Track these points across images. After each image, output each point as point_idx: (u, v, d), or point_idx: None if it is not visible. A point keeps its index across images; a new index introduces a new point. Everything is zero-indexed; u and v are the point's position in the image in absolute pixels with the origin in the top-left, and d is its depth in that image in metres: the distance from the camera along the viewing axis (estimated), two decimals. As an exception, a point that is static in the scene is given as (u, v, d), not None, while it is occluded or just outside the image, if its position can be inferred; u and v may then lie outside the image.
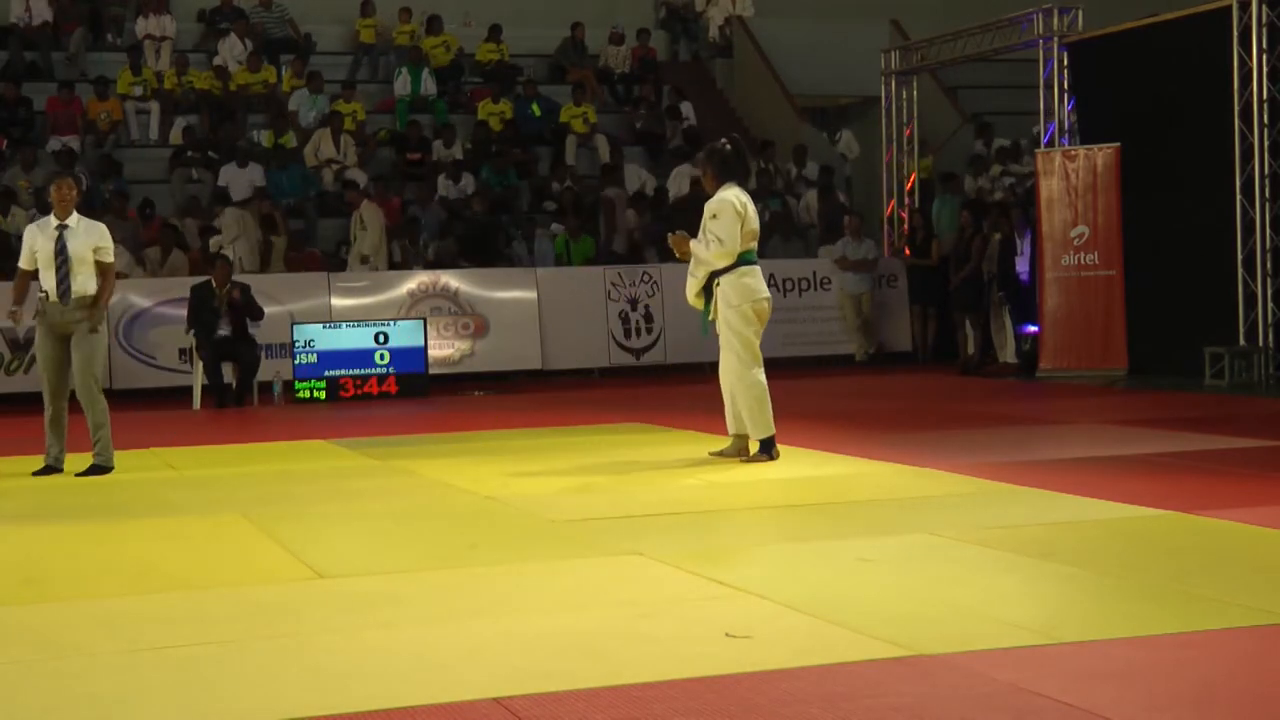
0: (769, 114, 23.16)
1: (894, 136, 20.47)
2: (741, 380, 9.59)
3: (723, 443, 9.89)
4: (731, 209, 9.48)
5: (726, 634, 5.08)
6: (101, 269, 10.03)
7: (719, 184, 9.65)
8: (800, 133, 22.37)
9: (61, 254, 9.88)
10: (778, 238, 19.77)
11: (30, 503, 8.81)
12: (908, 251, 19.44)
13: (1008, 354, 16.96)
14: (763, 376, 9.63)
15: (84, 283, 9.92)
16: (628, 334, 18.17)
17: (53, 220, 9.99)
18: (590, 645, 5.02)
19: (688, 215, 19.72)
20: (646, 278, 18.29)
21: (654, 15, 25.07)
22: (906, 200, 20.33)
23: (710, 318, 9.73)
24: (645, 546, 6.72)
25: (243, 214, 18.04)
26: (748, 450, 9.66)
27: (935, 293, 18.49)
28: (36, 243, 9.98)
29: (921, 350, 19.01)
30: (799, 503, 8.08)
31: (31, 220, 17.48)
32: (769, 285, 18.03)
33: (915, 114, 20.49)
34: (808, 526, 7.35)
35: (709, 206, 9.60)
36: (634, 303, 18.13)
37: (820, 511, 7.77)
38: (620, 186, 20.10)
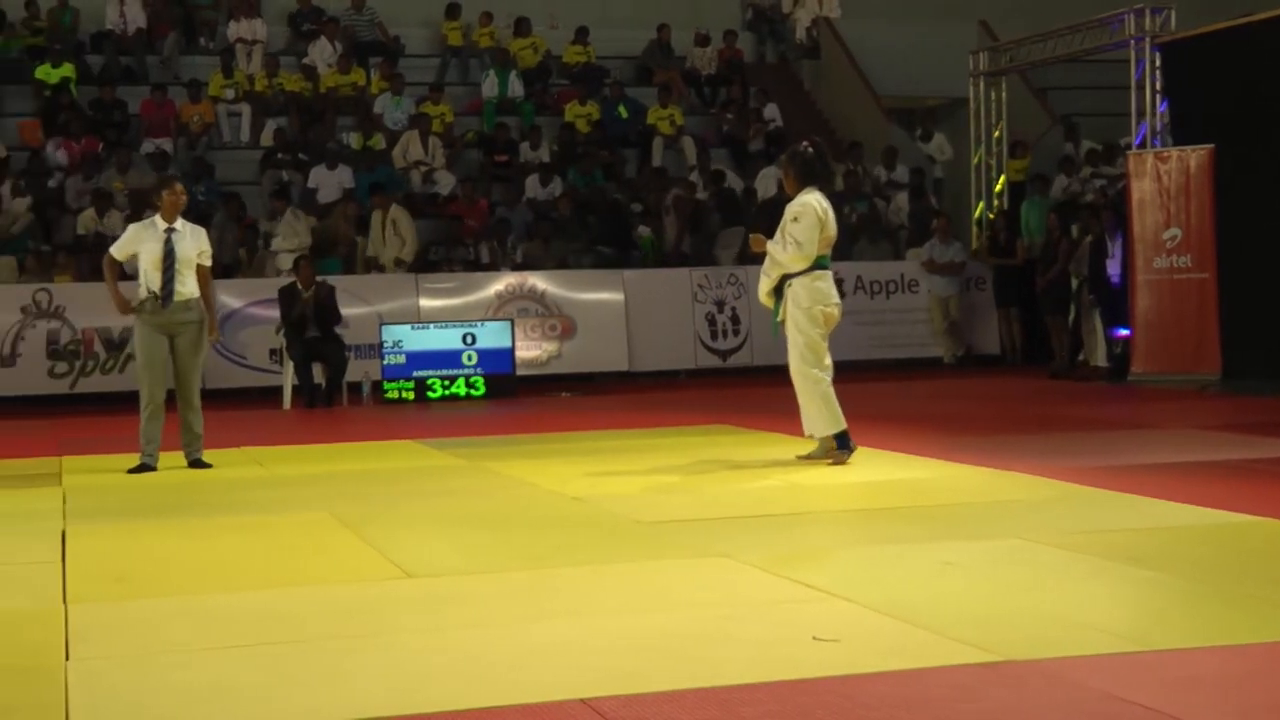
0: (856, 115, 23.06)
1: (982, 138, 20.31)
2: (805, 378, 9.64)
3: (809, 445, 9.86)
4: (814, 213, 9.49)
5: (813, 637, 5.07)
6: (202, 273, 10.27)
7: (800, 187, 9.66)
8: (887, 134, 22.26)
9: (169, 257, 10.11)
10: (865, 240, 19.69)
11: (124, 500, 8.93)
12: (987, 253, 19.26)
13: (1098, 357, 16.78)
14: (826, 376, 9.66)
15: (187, 285, 10.15)
16: (714, 336, 18.15)
17: (160, 222, 10.19)
18: (677, 647, 5.02)
19: (772, 216, 19.71)
20: (733, 279, 18.27)
21: (740, 17, 25.02)
22: (995, 202, 20.16)
23: (779, 319, 9.73)
24: (732, 548, 6.71)
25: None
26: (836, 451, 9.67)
27: (1021, 295, 18.34)
28: (143, 243, 10.17)
29: (1010, 353, 18.85)
30: (884, 505, 8.04)
31: (127, 222, 17.85)
32: (856, 287, 18.53)
33: (1004, 116, 20.32)
34: (893, 529, 7.31)
35: (790, 209, 9.60)
36: (721, 304, 18.11)
37: (906, 514, 7.72)
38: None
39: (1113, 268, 16.57)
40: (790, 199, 9.72)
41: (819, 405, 9.61)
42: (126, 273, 10.98)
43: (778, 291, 9.69)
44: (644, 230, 19.19)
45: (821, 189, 9.69)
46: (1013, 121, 20.64)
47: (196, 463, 10.32)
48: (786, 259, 9.53)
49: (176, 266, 10.12)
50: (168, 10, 22.20)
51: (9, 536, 7.73)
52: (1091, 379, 16.36)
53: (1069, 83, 23.15)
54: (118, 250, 10.43)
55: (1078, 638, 5.01)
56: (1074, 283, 16.97)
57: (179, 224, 10.23)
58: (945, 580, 6.01)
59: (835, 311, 9.74)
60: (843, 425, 9.62)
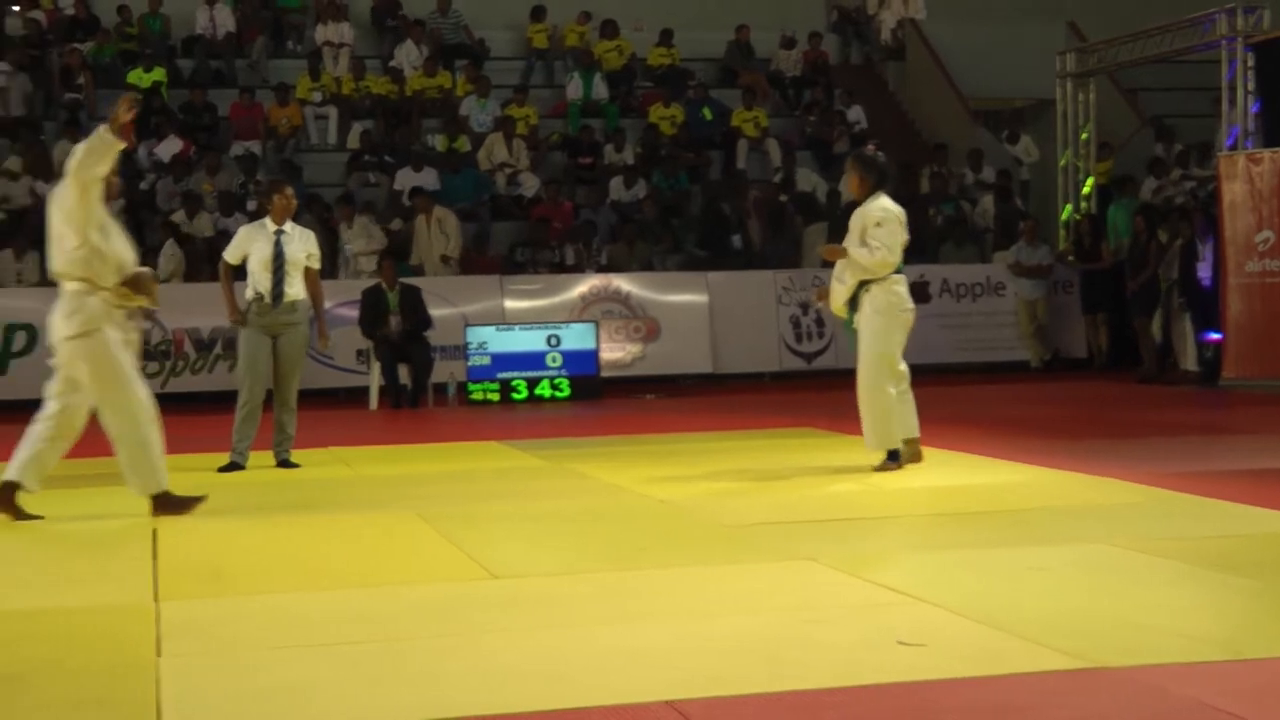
0: (941, 117, 22.93)
1: (1069, 140, 20.13)
2: (876, 392, 9.41)
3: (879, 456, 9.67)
4: (896, 219, 9.43)
5: (899, 641, 5.05)
6: (310, 276, 10.43)
7: (871, 190, 9.54)
8: (973, 136, 22.11)
9: (279, 259, 10.28)
10: (951, 242, 19.58)
11: (214, 499, 9.00)
12: (1071, 256, 19.09)
13: (1189, 361, 16.59)
14: (895, 388, 9.47)
15: (294, 287, 10.30)
16: (799, 338, 18.10)
17: (269, 225, 10.37)
18: (762, 650, 5.01)
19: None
20: (818, 282, 18.18)
21: (825, 18, 24.96)
22: (1082, 205, 19.98)
23: (853, 326, 9.61)
24: (816, 551, 6.70)
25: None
26: (918, 454, 9.60)
27: (1108, 299, 18.16)
28: (253, 245, 10.33)
29: (1097, 357, 18.67)
30: (970, 510, 7.98)
31: (216, 223, 18.07)
32: (942, 290, 18.42)
33: (1092, 117, 20.14)
34: (979, 534, 7.26)
35: (869, 214, 9.44)
36: (805, 307, 18.05)
37: (992, 519, 7.67)
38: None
39: (1204, 271, 16.37)
40: (856, 202, 9.64)
41: (880, 420, 9.42)
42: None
43: (852, 300, 9.57)
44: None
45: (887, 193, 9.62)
46: (1101, 123, 20.44)
47: (285, 463, 10.45)
48: (873, 264, 9.38)
49: (285, 268, 10.28)
50: (256, 14, 22.46)
51: (102, 534, 7.85)
52: (1181, 383, 16.18)
53: (1158, 84, 22.89)
54: (230, 254, 10.61)
55: (1166, 644, 4.95)
56: (1163, 286, 16.78)
57: (288, 226, 10.39)
58: (1032, 585, 5.97)
59: (910, 317, 9.64)
60: (897, 443, 9.47)
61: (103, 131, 7.96)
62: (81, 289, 8.00)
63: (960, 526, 7.54)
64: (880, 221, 9.39)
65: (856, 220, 9.52)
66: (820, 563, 6.46)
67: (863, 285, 9.48)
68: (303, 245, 10.42)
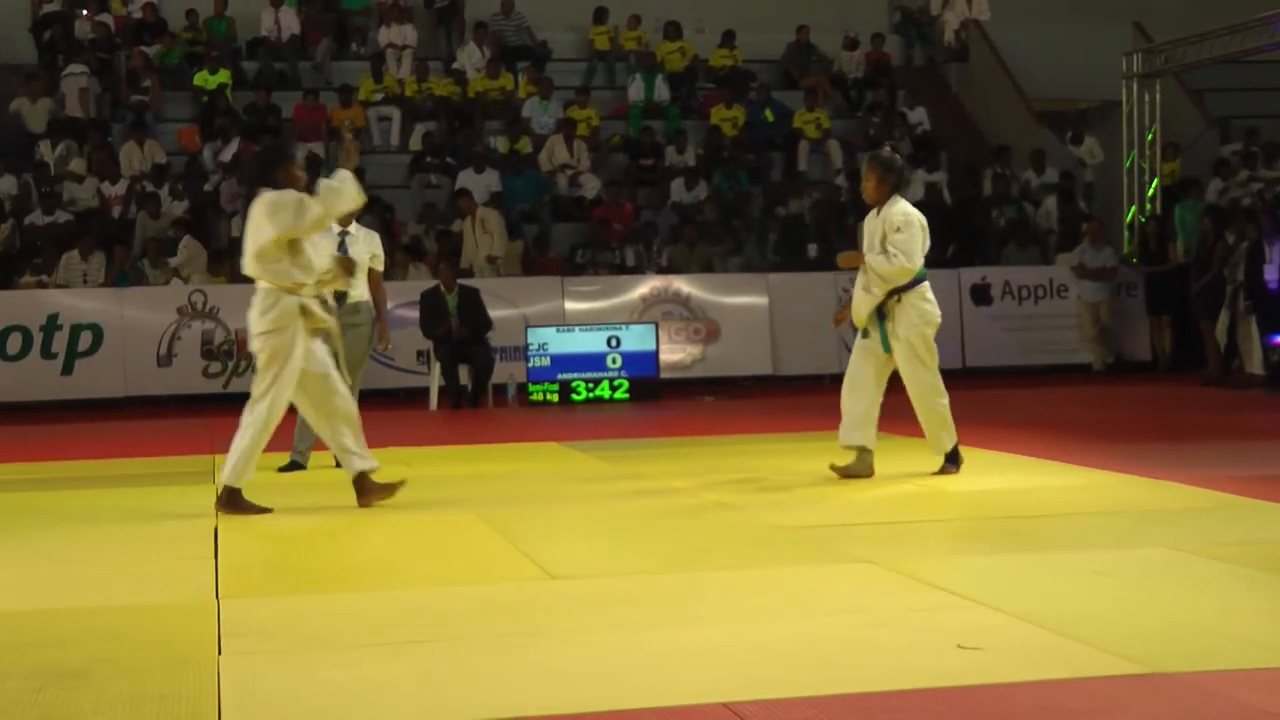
0: (1005, 118, 22.79)
1: (1135, 141, 19.97)
2: (934, 408, 9.23)
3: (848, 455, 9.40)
4: (918, 223, 9.15)
5: (958, 645, 5.02)
6: (374, 277, 10.44)
7: (889, 193, 9.17)
8: (1037, 137, 21.97)
9: None
10: (1014, 244, 19.46)
11: (274, 498, 9.08)
12: (1135, 259, 18.92)
13: (1254, 364, 16.42)
14: (945, 399, 9.28)
15: (358, 289, 10.28)
16: (858, 340, 18.00)
17: (334, 226, 10.34)
18: (820, 653, 5.00)
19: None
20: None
21: (888, 19, 24.86)
22: (1148, 206, 19.81)
23: (878, 337, 9.26)
24: (874, 554, 6.67)
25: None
26: (870, 468, 9.29)
27: (1172, 301, 18.00)
28: (318, 245, 10.33)
29: (1161, 360, 18.50)
30: (1030, 513, 7.93)
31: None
32: (1004, 292, 18.30)
33: (1158, 118, 19.97)
34: (1039, 538, 7.21)
35: (889, 219, 9.09)
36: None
37: (1053, 523, 7.62)
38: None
39: (1270, 273, 16.19)
40: (871, 205, 9.29)
41: (939, 426, 9.30)
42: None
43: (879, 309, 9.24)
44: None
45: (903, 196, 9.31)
46: (1167, 124, 20.27)
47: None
48: (891, 272, 9.07)
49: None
50: (320, 17, 22.59)
51: (164, 533, 7.91)
52: (1247, 387, 16.01)
53: (1226, 85, 22.67)
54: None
55: (1230, 651, 4.90)
56: (1229, 288, 16.62)
57: (353, 228, 10.39)
58: (1093, 590, 5.92)
59: (937, 327, 9.38)
60: (950, 446, 9.35)
61: (343, 176, 8.29)
62: (275, 288, 8.27)
63: (1020, 530, 7.49)
64: (900, 226, 9.06)
65: (875, 225, 9.20)
66: (878, 565, 6.44)
67: (891, 295, 9.16)
68: (367, 246, 10.43)
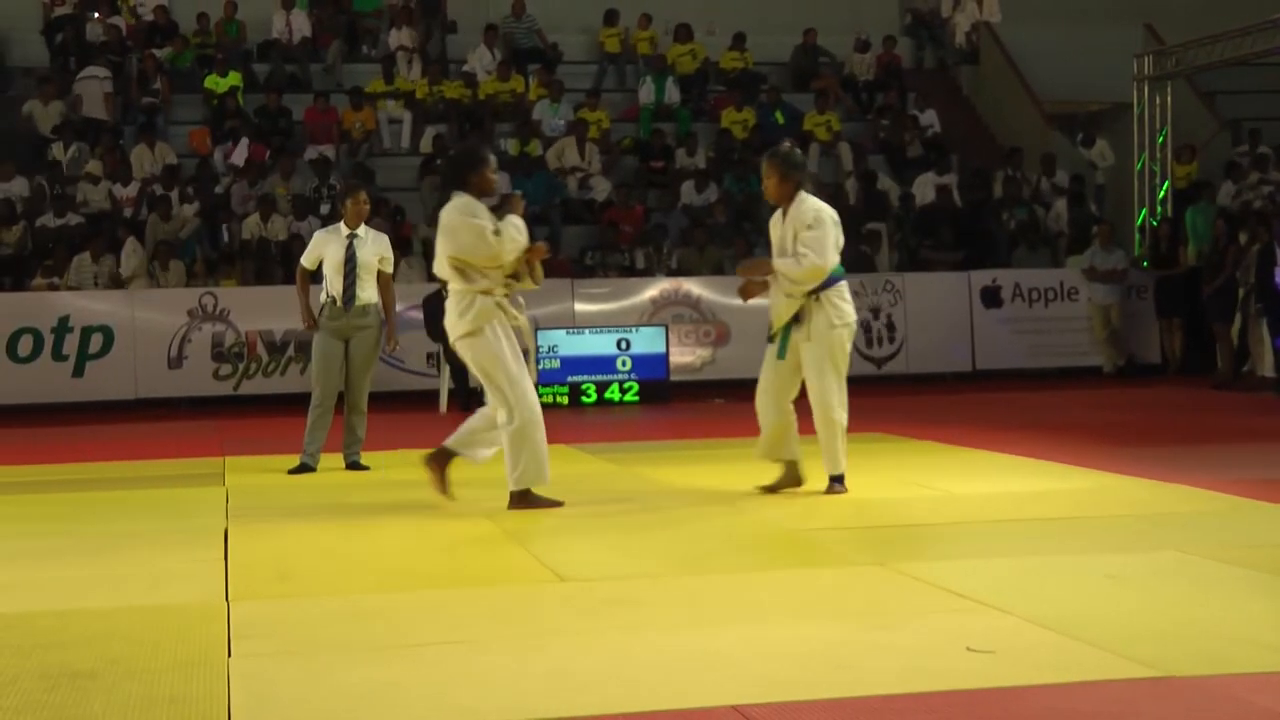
0: (1015, 121, 22.77)
1: (1146, 144, 19.94)
2: (833, 413, 8.69)
3: (776, 471, 9.01)
4: (829, 218, 8.65)
5: (968, 648, 5.01)
6: (383, 279, 10.56)
7: (792, 190, 8.65)
8: (1047, 140, 21.94)
9: (350, 261, 10.41)
10: (1024, 247, 19.44)
11: (285, 501, 9.10)
12: (1146, 263, 18.89)
13: (1265, 367, 16.39)
14: (844, 414, 8.77)
15: (367, 290, 10.44)
16: (869, 343, 18.01)
17: (343, 229, 10.49)
18: (830, 655, 5.00)
19: (930, 220, 19.56)
20: (889, 286, 18.14)
21: (899, 22, 24.85)
22: (1159, 209, 19.79)
23: (785, 340, 8.90)
24: (885, 557, 6.67)
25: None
26: (800, 478, 8.88)
27: (1183, 303, 17.97)
28: (327, 249, 10.47)
29: (1172, 363, 18.48)
30: (1041, 516, 7.92)
31: (290, 227, 18.22)
32: (1014, 294, 18.26)
33: (1169, 121, 19.93)
34: (1051, 541, 7.20)
35: (799, 217, 8.60)
36: (876, 311, 17.98)
37: (1064, 526, 7.61)
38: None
39: (1281, 277, 16.17)
40: (774, 206, 8.80)
41: (834, 444, 8.76)
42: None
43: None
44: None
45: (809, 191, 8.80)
46: (1178, 126, 20.24)
47: (354, 465, 10.56)
48: (803, 274, 8.55)
49: (357, 271, 10.41)
50: (332, 19, 22.61)
51: (175, 534, 7.92)
52: (1257, 390, 15.98)
53: (1236, 87, 22.65)
54: (306, 259, 10.72)
55: (1243, 654, 4.89)
56: (1240, 291, 16.59)
57: (362, 230, 10.49)
58: (1104, 593, 5.91)
59: (852, 330, 8.90)
60: (843, 468, 8.79)
61: (519, 225, 8.46)
62: (467, 290, 8.34)
63: (1031, 533, 7.48)
64: (811, 224, 8.57)
65: (783, 227, 8.72)
66: (888, 568, 6.44)
67: (810, 294, 8.65)
68: (375, 249, 10.53)
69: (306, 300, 10.68)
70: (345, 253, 10.42)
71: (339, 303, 10.43)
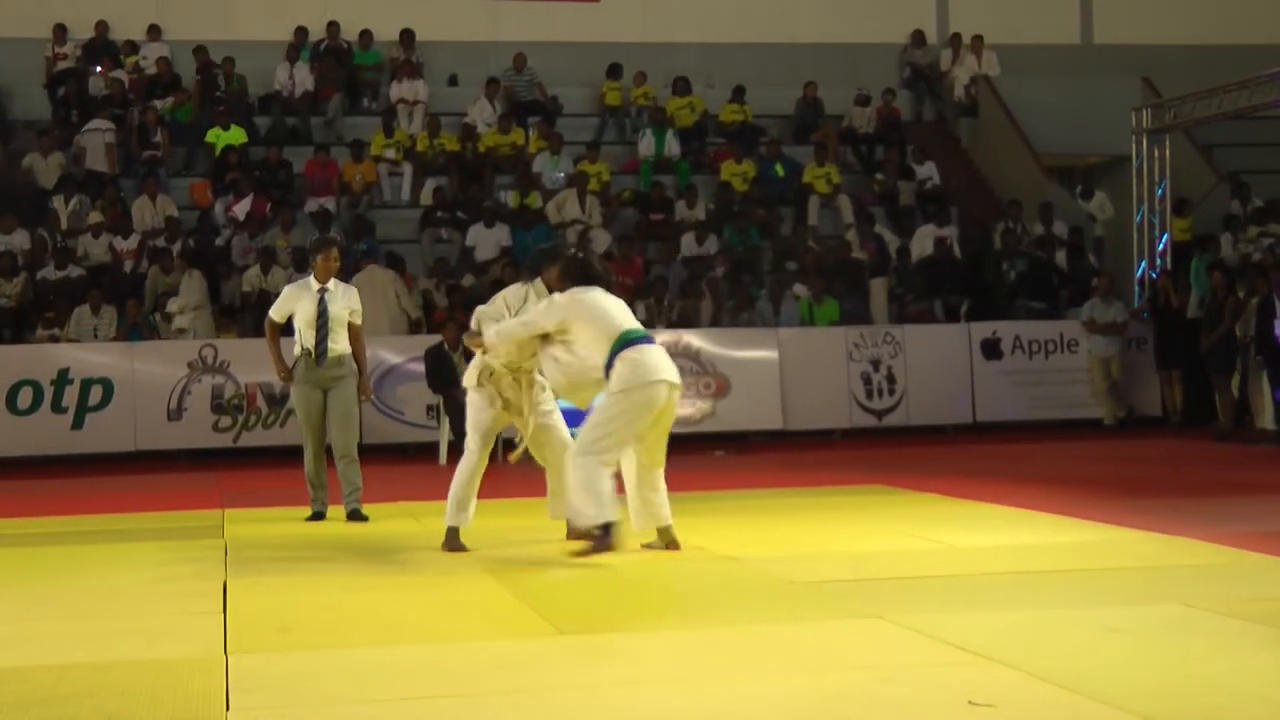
0: (1014, 174, 22.82)
1: (1145, 196, 20.00)
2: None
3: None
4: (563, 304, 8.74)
5: (970, 701, 4.99)
6: (353, 331, 10.68)
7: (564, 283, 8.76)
8: (1046, 193, 22.00)
9: (322, 315, 10.52)
10: (1023, 299, 19.46)
11: (284, 553, 9.08)
12: (1142, 314, 18.91)
13: (1265, 420, 16.38)
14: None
15: (339, 343, 10.56)
16: (869, 395, 18.02)
17: (313, 283, 10.62)
18: (830, 709, 4.97)
19: (930, 274, 19.58)
20: (889, 338, 18.15)
21: (898, 75, 24.96)
22: (1158, 262, 19.82)
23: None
24: (885, 609, 6.64)
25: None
26: (675, 540, 8.74)
27: (1183, 356, 17.97)
28: (298, 303, 10.56)
29: (1172, 415, 18.46)
30: (1043, 569, 7.89)
31: (290, 279, 18.23)
32: (1014, 347, 18.26)
33: (1168, 173, 19.99)
34: (1052, 594, 7.17)
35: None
36: (876, 363, 17.98)
37: (1065, 579, 7.58)
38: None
39: (1280, 328, 16.19)
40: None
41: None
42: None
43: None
44: (800, 289, 19.10)
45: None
46: (1176, 179, 20.31)
47: (355, 514, 10.57)
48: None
49: (330, 325, 10.51)
50: (333, 72, 22.71)
51: (173, 587, 7.89)
52: (1258, 442, 15.97)
53: (1234, 139, 22.74)
54: (275, 312, 10.82)
55: (1247, 709, 4.88)
56: (1240, 343, 16.59)
57: (331, 284, 10.61)
58: (1106, 646, 5.89)
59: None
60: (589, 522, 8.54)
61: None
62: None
63: (1032, 586, 7.46)
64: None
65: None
66: (889, 621, 6.41)
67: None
68: (345, 302, 10.64)
69: (278, 351, 10.84)
70: (317, 307, 10.53)
71: (312, 355, 10.52)
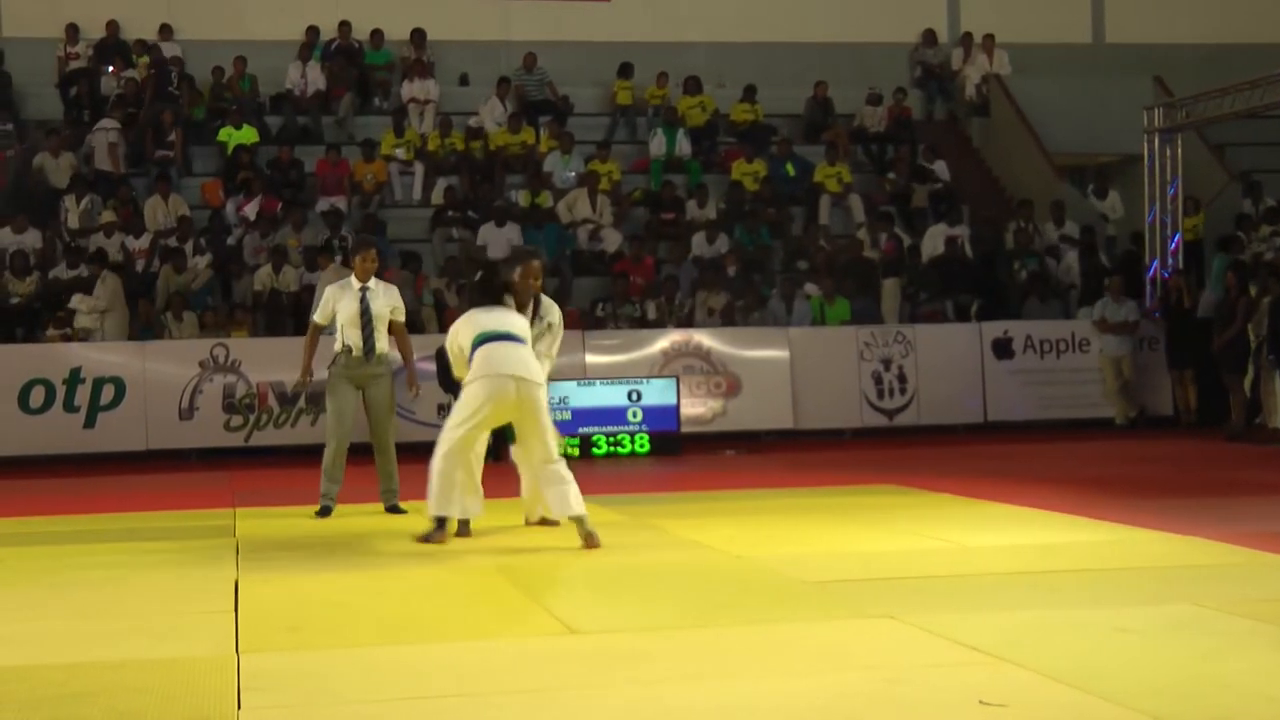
0: (1026, 173, 22.82)
1: (1156, 196, 19.97)
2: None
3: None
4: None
5: (980, 701, 4.99)
6: (396, 328, 10.99)
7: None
8: (1058, 192, 21.98)
9: (365, 314, 10.78)
10: (1035, 299, 19.44)
11: (296, 551, 9.08)
12: (1156, 314, 18.87)
13: (1277, 420, 16.34)
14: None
15: (383, 340, 10.87)
16: (880, 394, 18.01)
17: (355, 283, 10.86)
18: (842, 709, 4.97)
19: (941, 273, 19.57)
20: (900, 338, 18.13)
21: (909, 74, 24.94)
22: (1170, 261, 19.78)
23: None
24: (896, 609, 6.64)
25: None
26: (593, 534, 8.91)
27: (1195, 355, 17.93)
28: (340, 303, 10.75)
29: (1184, 415, 18.43)
30: (1054, 569, 7.88)
31: (301, 278, 18.28)
32: (1025, 346, 18.24)
33: (1180, 173, 19.96)
34: (1064, 593, 7.17)
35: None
36: (887, 363, 17.97)
37: (1077, 578, 7.57)
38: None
39: (1293, 328, 16.15)
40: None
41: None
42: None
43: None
44: (811, 289, 19.11)
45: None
46: (1188, 178, 20.27)
47: (394, 509, 10.89)
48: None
49: (374, 324, 10.77)
50: (344, 71, 22.73)
51: (185, 586, 7.91)
52: (1271, 442, 15.93)
53: (1246, 139, 22.69)
54: (319, 315, 11.08)
55: (1257, 709, 4.87)
56: (1252, 343, 16.56)
57: (372, 283, 10.86)
58: (1116, 646, 5.88)
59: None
60: (444, 512, 9.24)
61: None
62: None
63: (1043, 586, 7.45)
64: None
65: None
66: (900, 621, 6.41)
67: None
68: (387, 300, 10.91)
69: (311, 355, 11.08)
70: (359, 306, 10.76)
71: (357, 353, 10.75)
